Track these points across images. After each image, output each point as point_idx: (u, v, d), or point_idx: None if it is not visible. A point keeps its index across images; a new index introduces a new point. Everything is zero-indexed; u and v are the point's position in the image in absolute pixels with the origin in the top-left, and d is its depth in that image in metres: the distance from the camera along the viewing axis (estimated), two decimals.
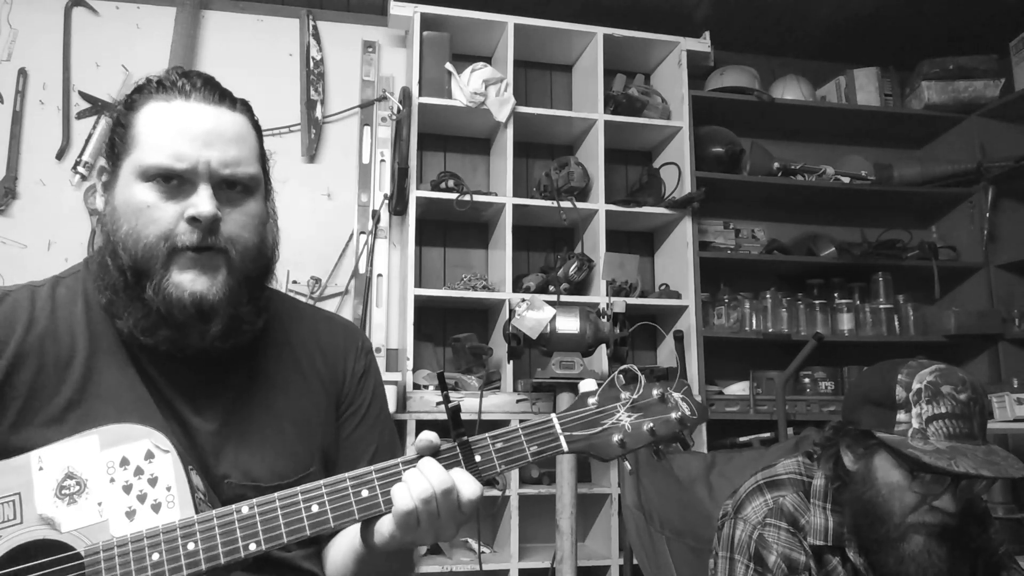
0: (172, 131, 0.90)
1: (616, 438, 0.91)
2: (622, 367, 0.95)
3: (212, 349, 0.93)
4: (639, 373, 0.94)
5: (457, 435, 0.88)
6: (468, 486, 0.84)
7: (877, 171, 3.26)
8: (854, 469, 1.22)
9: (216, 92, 0.95)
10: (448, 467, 0.85)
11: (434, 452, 0.87)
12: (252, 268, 0.95)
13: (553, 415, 0.92)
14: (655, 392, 0.94)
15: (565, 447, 0.91)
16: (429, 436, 0.87)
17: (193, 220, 0.88)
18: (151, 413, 0.91)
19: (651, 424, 0.92)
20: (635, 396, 0.93)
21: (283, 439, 0.98)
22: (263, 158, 1.00)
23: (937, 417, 1.12)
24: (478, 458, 0.88)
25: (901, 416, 1.15)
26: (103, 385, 0.92)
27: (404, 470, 0.86)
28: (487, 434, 0.90)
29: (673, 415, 0.93)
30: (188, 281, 0.88)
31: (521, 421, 0.94)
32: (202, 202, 0.89)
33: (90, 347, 0.93)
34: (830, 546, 1.23)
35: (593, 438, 0.91)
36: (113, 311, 0.92)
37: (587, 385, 0.95)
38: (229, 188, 0.92)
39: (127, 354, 0.94)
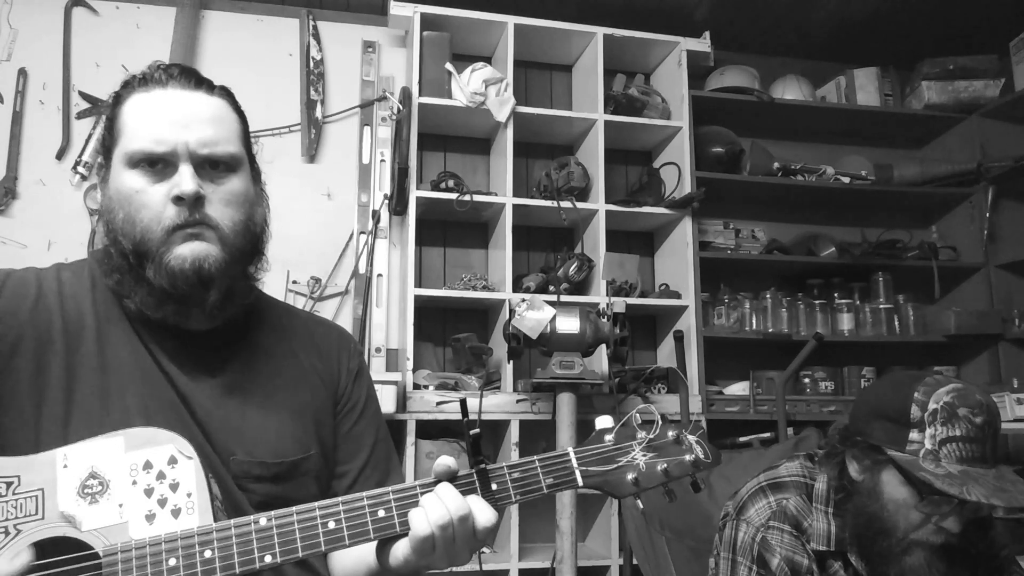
0: (152, 118, 0.95)
1: (630, 476, 0.93)
2: (640, 407, 0.97)
3: (213, 317, 0.97)
4: (656, 414, 0.96)
5: (476, 462, 0.89)
6: (484, 514, 0.86)
7: (877, 171, 3.26)
8: (859, 480, 1.21)
9: (193, 79, 0.99)
10: (465, 493, 0.87)
11: (451, 477, 0.88)
12: (242, 243, 0.98)
13: (570, 449, 0.94)
14: (670, 433, 0.96)
15: (580, 482, 0.92)
16: (447, 461, 0.88)
17: (178, 199, 0.92)
18: (159, 387, 0.94)
19: (665, 465, 0.94)
20: (651, 436, 0.95)
21: (283, 420, 1.01)
22: (247, 140, 1.04)
23: (951, 440, 1.11)
24: (494, 486, 0.90)
25: (914, 435, 1.13)
26: (111, 360, 0.94)
27: (422, 494, 0.87)
28: (504, 464, 0.91)
29: (687, 457, 0.95)
30: (188, 251, 0.92)
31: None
32: (184, 181, 0.92)
33: (98, 324, 0.96)
34: (832, 551, 1.23)
35: (608, 475, 0.93)
36: (121, 291, 0.96)
37: (604, 422, 0.97)
38: (212, 168, 0.96)
39: (133, 332, 0.97)
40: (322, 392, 1.07)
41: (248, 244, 0.99)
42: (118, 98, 0.99)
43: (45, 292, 0.97)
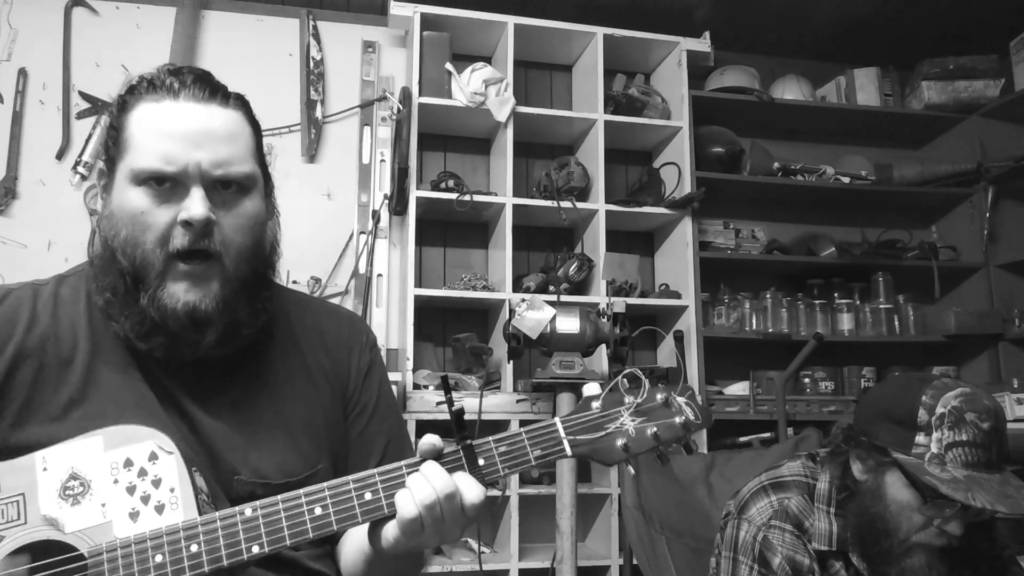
0: (161, 133, 0.89)
1: (620, 443, 0.90)
2: (626, 371, 0.94)
3: (208, 357, 0.92)
4: (643, 377, 0.93)
5: (460, 438, 0.87)
6: (472, 490, 0.84)
7: (877, 171, 3.26)
8: (863, 480, 1.21)
9: (207, 89, 0.92)
10: (451, 471, 0.85)
11: (437, 455, 0.86)
12: (248, 271, 0.93)
13: (556, 418, 0.91)
14: (659, 396, 0.93)
15: (568, 451, 0.90)
16: (431, 440, 0.86)
17: (186, 224, 0.88)
18: (153, 411, 0.91)
19: (655, 429, 0.91)
20: (639, 400, 0.92)
21: (291, 437, 0.97)
22: (260, 154, 0.99)
23: (957, 444, 1.11)
24: (481, 462, 0.87)
25: (920, 438, 1.13)
26: (105, 384, 0.91)
27: (408, 474, 0.86)
28: (490, 437, 0.89)
29: (677, 419, 0.92)
30: (182, 291, 0.88)
31: (524, 424, 0.93)
32: (194, 205, 0.87)
33: (92, 346, 0.93)
34: (834, 551, 1.23)
35: (596, 442, 0.90)
36: (110, 313, 0.92)
37: (591, 389, 0.94)
38: (224, 188, 0.91)
39: (129, 353, 0.93)
40: (330, 396, 1.03)
41: (254, 271, 0.95)
42: (124, 104, 0.92)
43: (39, 313, 0.94)
